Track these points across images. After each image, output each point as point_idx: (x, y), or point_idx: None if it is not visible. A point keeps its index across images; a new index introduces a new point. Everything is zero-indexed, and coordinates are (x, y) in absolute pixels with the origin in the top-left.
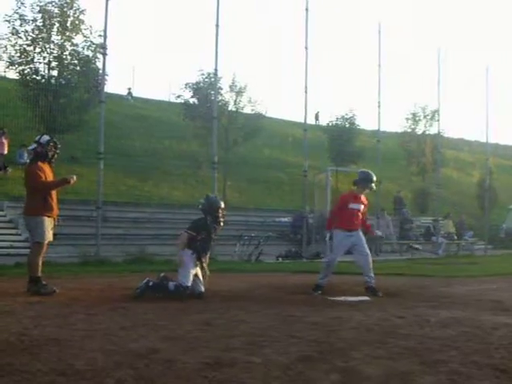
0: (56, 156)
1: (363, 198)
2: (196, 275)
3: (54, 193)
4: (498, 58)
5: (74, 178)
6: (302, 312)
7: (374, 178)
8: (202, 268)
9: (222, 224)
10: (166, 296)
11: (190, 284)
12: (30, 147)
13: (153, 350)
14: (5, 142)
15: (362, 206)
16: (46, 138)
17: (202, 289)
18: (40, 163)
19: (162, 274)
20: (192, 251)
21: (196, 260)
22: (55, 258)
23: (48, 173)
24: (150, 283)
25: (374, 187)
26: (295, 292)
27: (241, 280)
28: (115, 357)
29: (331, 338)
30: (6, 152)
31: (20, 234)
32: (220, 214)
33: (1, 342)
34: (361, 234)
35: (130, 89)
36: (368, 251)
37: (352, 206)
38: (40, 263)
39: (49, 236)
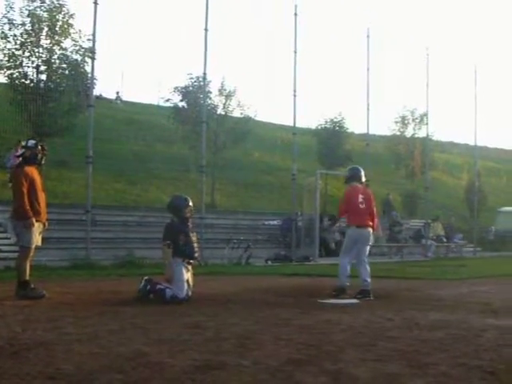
0: (44, 158)
1: (368, 191)
2: (187, 280)
3: (41, 197)
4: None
5: (36, 227)
6: (291, 315)
7: (363, 172)
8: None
9: (190, 222)
10: (160, 301)
11: (184, 295)
12: (18, 153)
13: (141, 353)
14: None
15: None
16: (32, 141)
17: (189, 293)
18: (27, 167)
19: (146, 278)
20: (181, 259)
21: (187, 265)
22: (44, 261)
23: (35, 177)
24: (148, 287)
25: (365, 181)
26: (284, 295)
27: (230, 283)
28: (104, 360)
29: (320, 340)
30: None
31: (9, 238)
32: (186, 214)
33: None
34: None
35: (118, 93)
36: (365, 258)
37: (361, 198)
38: (28, 267)
39: (36, 240)
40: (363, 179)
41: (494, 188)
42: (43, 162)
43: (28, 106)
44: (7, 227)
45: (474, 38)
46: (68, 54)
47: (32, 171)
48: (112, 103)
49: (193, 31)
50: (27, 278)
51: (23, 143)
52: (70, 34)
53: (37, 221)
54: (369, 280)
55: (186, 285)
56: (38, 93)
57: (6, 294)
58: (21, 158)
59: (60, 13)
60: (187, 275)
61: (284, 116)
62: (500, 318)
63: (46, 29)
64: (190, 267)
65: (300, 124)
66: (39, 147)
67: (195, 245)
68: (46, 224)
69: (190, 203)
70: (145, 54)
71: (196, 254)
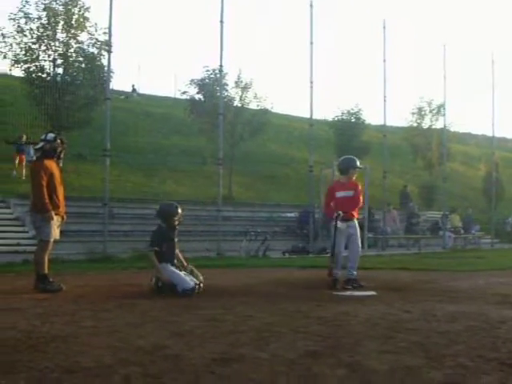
0: (64, 152)
1: (351, 183)
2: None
3: (60, 190)
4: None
5: (54, 220)
6: (308, 307)
7: (358, 162)
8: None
9: (177, 229)
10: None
11: (192, 284)
12: (37, 146)
13: (160, 346)
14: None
15: (352, 192)
16: (51, 135)
17: (198, 281)
18: (46, 161)
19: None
20: (166, 263)
21: (175, 266)
22: (62, 254)
23: (54, 170)
24: (159, 284)
25: (361, 166)
26: (302, 287)
27: (247, 275)
28: (122, 353)
29: (337, 332)
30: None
31: (27, 232)
32: (175, 222)
33: (8, 339)
34: (356, 224)
35: (134, 85)
36: (358, 246)
37: (339, 194)
38: (46, 260)
39: (55, 234)
40: (356, 169)
41: None
42: (62, 155)
43: (45, 100)
44: (26, 221)
45: (491, 27)
46: (84, 47)
47: (51, 165)
48: (128, 98)
49: (209, 23)
50: (46, 271)
51: (42, 136)
52: (85, 28)
53: (56, 214)
54: (353, 271)
55: (186, 277)
56: (55, 86)
57: (25, 288)
58: (39, 152)
59: (76, 6)
60: (183, 271)
61: (301, 108)
62: None
63: (61, 22)
64: (183, 263)
65: (317, 115)
66: (58, 140)
67: (177, 251)
68: (65, 217)
69: (180, 211)
70: (161, 47)
71: (175, 261)
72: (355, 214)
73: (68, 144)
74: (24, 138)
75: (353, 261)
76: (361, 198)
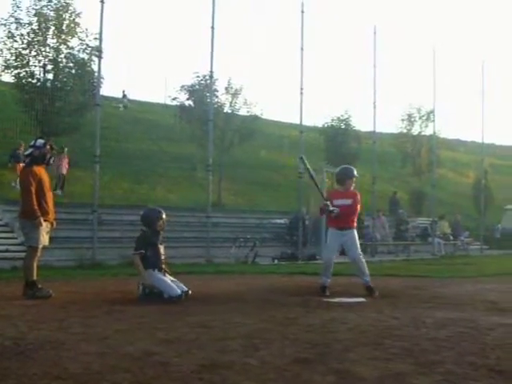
0: (53, 158)
1: (350, 193)
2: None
3: (49, 197)
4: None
5: (43, 226)
6: (297, 314)
7: (355, 172)
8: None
9: (161, 234)
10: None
11: (179, 291)
12: (26, 152)
13: (149, 352)
14: (64, 161)
15: (351, 200)
16: (41, 141)
17: (185, 289)
18: (35, 167)
19: (142, 282)
20: (151, 268)
21: (159, 271)
22: (51, 261)
23: (43, 176)
24: (147, 291)
25: (357, 175)
26: (291, 294)
27: (237, 282)
28: (111, 360)
29: (327, 339)
30: (65, 172)
31: (16, 238)
32: (159, 226)
33: None
34: (353, 233)
35: (124, 92)
36: (358, 255)
37: (337, 202)
38: (35, 267)
39: (44, 240)
40: (353, 178)
41: (501, 186)
42: (52, 161)
43: (35, 106)
44: (14, 227)
45: (481, 34)
46: (75, 53)
47: (40, 171)
48: (120, 105)
49: (199, 29)
50: (35, 278)
51: (31, 142)
52: (76, 33)
53: (45, 220)
54: (366, 278)
55: (173, 284)
56: (45, 92)
57: (13, 294)
58: (29, 158)
59: (67, 12)
60: (168, 277)
61: (291, 114)
62: (507, 317)
63: (52, 28)
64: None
65: (307, 122)
66: (47, 147)
67: (162, 256)
68: (54, 224)
69: (164, 216)
70: (151, 53)
71: (163, 265)
72: (352, 223)
73: (57, 150)
74: (22, 147)
75: (359, 271)
76: (358, 207)
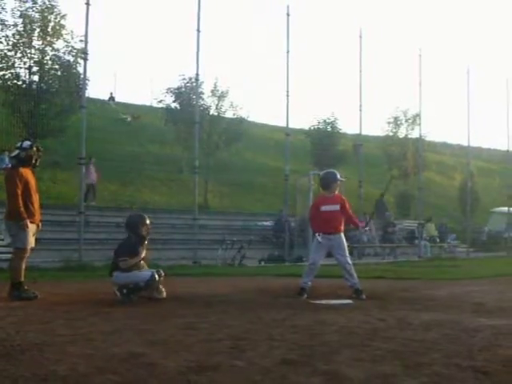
0: (39, 160)
1: (337, 197)
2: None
3: (35, 199)
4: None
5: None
6: (284, 315)
7: (338, 175)
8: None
9: (145, 239)
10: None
11: (149, 273)
12: (13, 154)
13: (135, 354)
14: (92, 170)
15: (338, 206)
16: (27, 142)
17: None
18: (22, 169)
19: (116, 288)
20: (120, 271)
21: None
22: (37, 262)
23: (30, 178)
24: (124, 291)
25: (342, 179)
26: (278, 295)
27: (224, 284)
28: (97, 362)
29: (313, 341)
30: (95, 181)
31: (1, 239)
32: (143, 232)
33: None
34: (341, 237)
35: (112, 93)
36: (346, 259)
37: (324, 208)
38: (23, 268)
39: (31, 241)
40: (338, 182)
41: (487, 188)
42: (38, 163)
43: (20, 107)
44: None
45: (467, 38)
46: (60, 54)
47: (27, 173)
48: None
49: (185, 32)
50: (22, 279)
51: (18, 144)
52: (62, 35)
53: (31, 222)
54: (353, 281)
55: (141, 271)
56: (31, 94)
57: (0, 296)
58: (15, 160)
59: (52, 13)
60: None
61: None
62: (493, 318)
63: (38, 30)
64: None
65: (293, 125)
66: (34, 148)
67: (142, 262)
68: (40, 225)
69: (147, 221)
70: (137, 55)
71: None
72: (340, 227)
73: (44, 152)
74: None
75: (347, 274)
76: (350, 211)
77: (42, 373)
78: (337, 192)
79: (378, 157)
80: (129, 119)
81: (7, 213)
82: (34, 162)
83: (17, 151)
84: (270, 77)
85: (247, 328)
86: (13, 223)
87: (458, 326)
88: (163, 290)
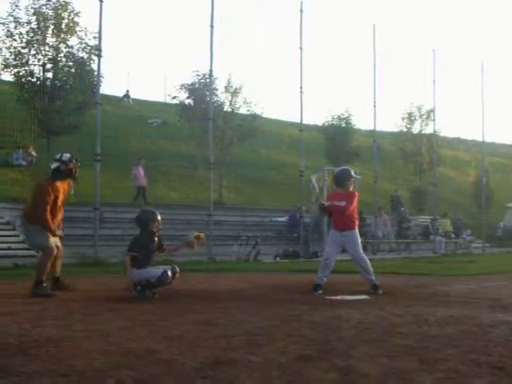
0: (77, 172)
1: (348, 194)
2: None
3: (60, 212)
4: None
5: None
6: (300, 311)
7: (353, 173)
8: None
9: (156, 235)
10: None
11: (161, 269)
12: (52, 166)
13: (151, 350)
14: (141, 172)
15: (344, 202)
16: (67, 155)
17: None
18: (57, 182)
19: (130, 285)
20: (136, 268)
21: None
22: None
23: (61, 193)
24: (138, 287)
25: (358, 176)
26: (293, 291)
27: (239, 280)
28: (114, 357)
29: (330, 337)
30: (145, 183)
31: (18, 236)
32: (154, 228)
33: (0, 343)
34: (354, 234)
35: (128, 91)
36: (359, 255)
37: (335, 203)
38: (48, 266)
39: (53, 241)
40: (352, 180)
41: (502, 184)
42: (76, 175)
43: (35, 104)
44: (16, 224)
45: (481, 33)
46: (74, 51)
47: (61, 187)
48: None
49: (198, 28)
50: (44, 278)
51: (57, 156)
52: (75, 32)
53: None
54: (370, 277)
55: (153, 269)
56: (45, 91)
57: (16, 292)
58: (55, 171)
59: (65, 11)
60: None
61: (291, 113)
62: (509, 314)
63: (51, 27)
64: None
65: (307, 121)
66: (73, 161)
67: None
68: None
69: (159, 217)
70: (151, 52)
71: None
72: (352, 223)
73: (57, 149)
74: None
75: (363, 271)
76: (350, 207)
77: (59, 368)
78: (351, 189)
79: (393, 152)
80: (155, 124)
81: (28, 215)
82: (73, 175)
83: (56, 164)
84: (283, 73)
85: (263, 324)
86: (29, 225)
87: (473, 322)
88: None
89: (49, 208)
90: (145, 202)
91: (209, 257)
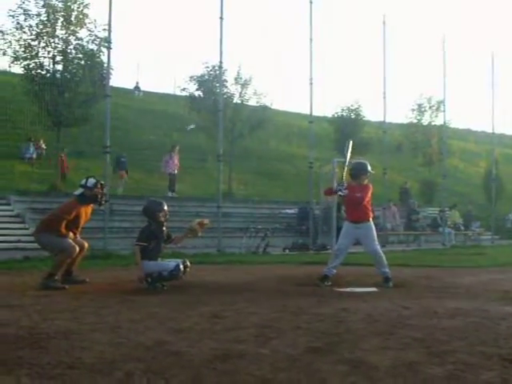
0: (104, 197)
1: (362, 186)
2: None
3: (77, 232)
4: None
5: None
6: (309, 303)
7: (369, 167)
8: None
9: (164, 227)
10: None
11: (173, 263)
12: (77, 192)
13: (161, 342)
14: (175, 159)
15: (359, 194)
16: (92, 180)
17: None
18: (82, 207)
19: (141, 277)
20: (148, 260)
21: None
22: None
23: (82, 217)
24: (149, 279)
25: (372, 172)
26: (302, 284)
27: (248, 272)
28: (124, 349)
29: (339, 329)
30: (176, 171)
31: (27, 228)
32: (161, 218)
33: (10, 335)
34: (369, 226)
35: (138, 83)
36: (374, 247)
37: (349, 195)
38: (65, 264)
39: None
40: (368, 174)
41: None
42: (103, 201)
43: (45, 97)
44: (26, 217)
45: (492, 23)
46: (84, 44)
47: (86, 210)
48: (130, 93)
49: (208, 20)
50: (58, 272)
51: (83, 182)
52: (85, 24)
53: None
54: (385, 270)
55: (164, 262)
56: (55, 83)
57: (26, 284)
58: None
59: (75, 3)
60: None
61: (300, 104)
62: None
63: (61, 19)
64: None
65: (316, 112)
66: (99, 186)
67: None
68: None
69: (165, 207)
70: (160, 44)
71: (159, 259)
72: (367, 215)
73: (67, 141)
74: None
75: (378, 263)
76: (366, 198)
77: (69, 360)
78: (365, 183)
79: (402, 144)
80: (188, 128)
81: (44, 227)
82: (99, 201)
83: (81, 189)
84: (293, 64)
85: (272, 316)
86: (41, 234)
87: (483, 314)
88: None
89: (64, 223)
90: (172, 190)
91: (218, 249)
